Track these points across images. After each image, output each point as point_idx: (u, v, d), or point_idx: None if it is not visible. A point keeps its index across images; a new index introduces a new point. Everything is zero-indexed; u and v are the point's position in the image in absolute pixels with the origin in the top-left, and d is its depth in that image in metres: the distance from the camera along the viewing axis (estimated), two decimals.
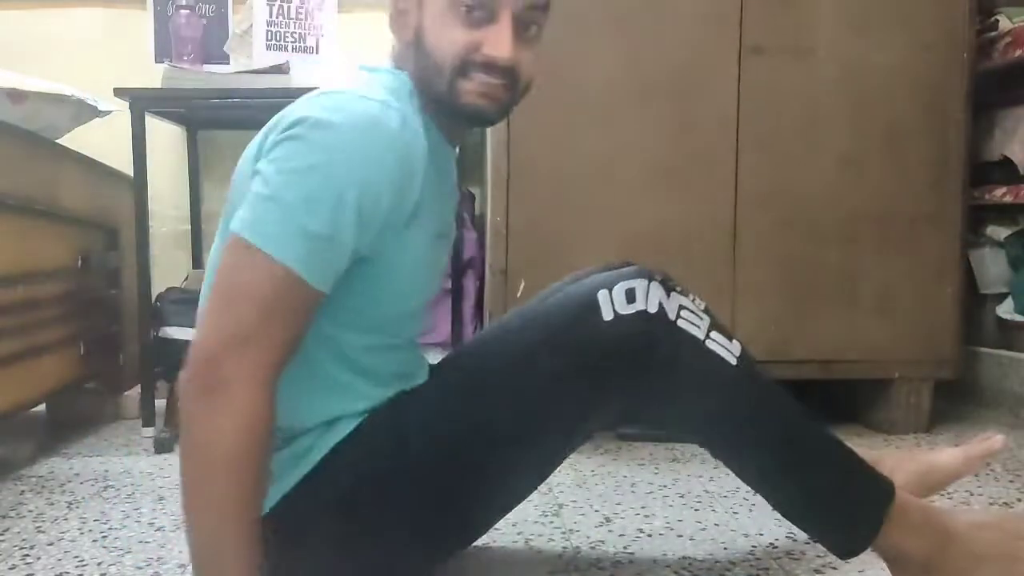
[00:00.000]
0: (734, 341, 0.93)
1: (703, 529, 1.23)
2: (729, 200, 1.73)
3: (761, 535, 1.20)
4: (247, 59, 2.13)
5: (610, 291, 0.89)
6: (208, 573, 0.78)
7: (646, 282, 0.89)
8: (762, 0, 1.71)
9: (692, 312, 0.91)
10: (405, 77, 0.90)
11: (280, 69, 1.91)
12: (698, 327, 0.90)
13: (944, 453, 1.12)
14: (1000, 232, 2.01)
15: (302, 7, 2.16)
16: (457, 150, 1.02)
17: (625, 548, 1.16)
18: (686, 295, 0.92)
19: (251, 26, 2.14)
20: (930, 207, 1.75)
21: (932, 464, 1.11)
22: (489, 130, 1.75)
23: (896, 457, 1.11)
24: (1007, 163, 1.95)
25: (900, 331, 1.76)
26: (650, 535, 1.21)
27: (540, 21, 0.89)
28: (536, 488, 1.02)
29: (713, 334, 0.91)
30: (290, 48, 2.15)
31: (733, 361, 0.92)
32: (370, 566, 0.91)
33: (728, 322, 1.69)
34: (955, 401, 1.99)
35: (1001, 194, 1.93)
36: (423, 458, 0.88)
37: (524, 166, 1.71)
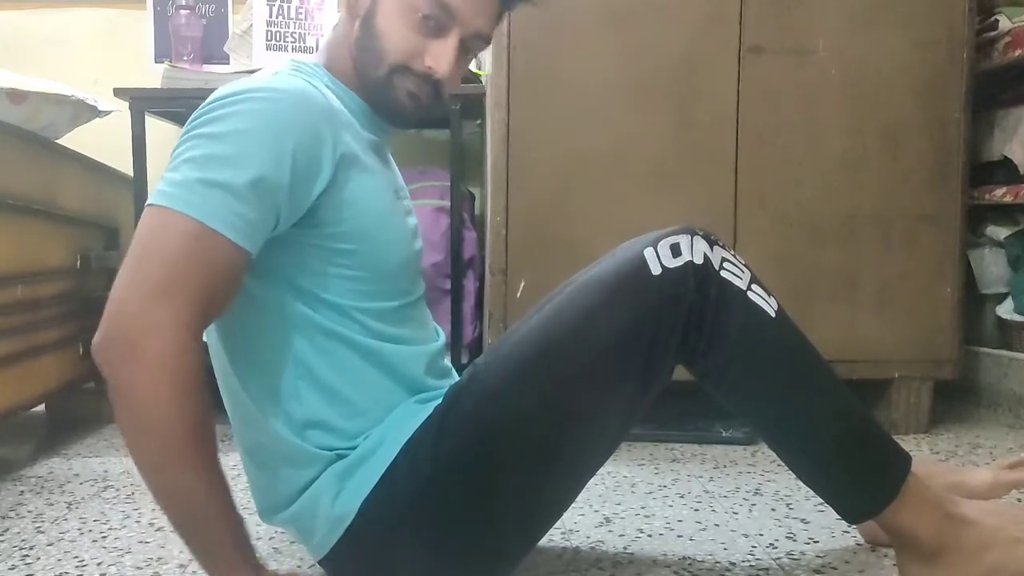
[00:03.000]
0: (772, 297, 0.95)
1: (703, 529, 1.23)
2: (729, 200, 1.73)
3: (761, 535, 1.20)
4: (247, 59, 2.13)
5: (655, 248, 0.90)
6: (194, 534, 0.78)
7: (689, 237, 0.91)
8: (762, 0, 1.71)
9: (734, 264, 0.93)
10: (313, 64, 0.96)
11: None
12: (740, 279, 0.92)
13: (976, 474, 1.13)
14: (1000, 232, 2.01)
15: (302, 7, 2.16)
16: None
17: (625, 548, 1.16)
18: (727, 249, 0.94)
19: (251, 26, 2.14)
20: (930, 207, 1.75)
21: (961, 483, 1.11)
22: (489, 130, 1.75)
23: (928, 466, 1.11)
24: (1007, 163, 1.95)
25: (900, 331, 1.76)
26: (650, 535, 1.20)
27: (478, 50, 0.96)
28: (608, 458, 1.00)
29: (754, 287, 0.93)
30: (290, 48, 2.15)
31: (772, 313, 0.93)
32: (460, 560, 0.91)
33: None
34: (955, 401, 1.99)
35: (1001, 194, 1.93)
36: (500, 440, 0.88)
37: (524, 166, 1.71)
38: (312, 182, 0.84)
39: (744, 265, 0.94)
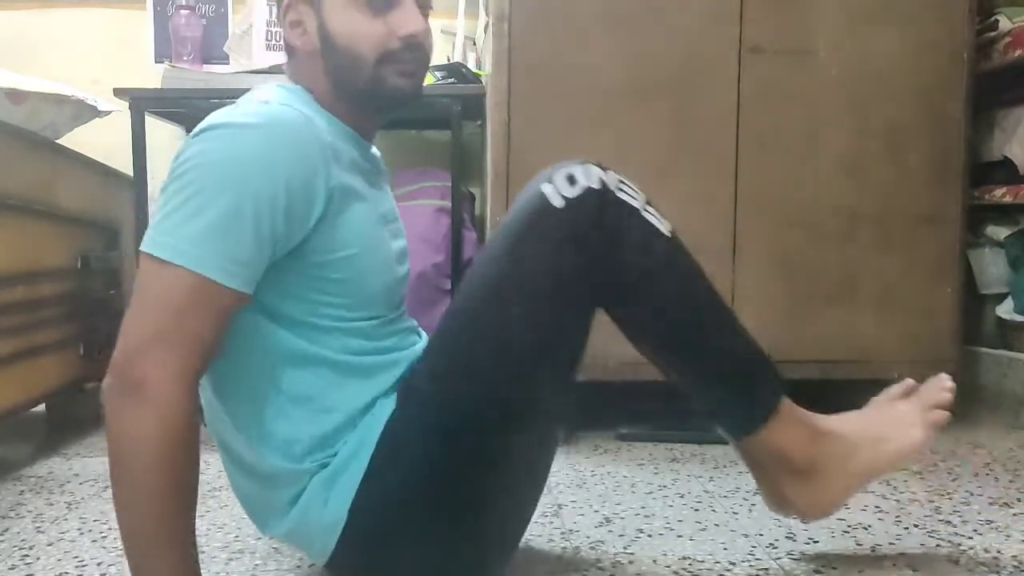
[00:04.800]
0: (666, 219, 0.96)
1: (703, 529, 1.23)
2: (729, 200, 1.73)
3: (761, 535, 1.20)
4: (247, 59, 2.13)
5: (551, 181, 0.91)
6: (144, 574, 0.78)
7: (582, 166, 0.92)
8: (762, 0, 1.71)
9: (628, 187, 0.94)
10: (298, 88, 0.94)
11: (280, 69, 1.90)
12: (635, 199, 0.93)
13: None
14: (1000, 232, 2.01)
15: None
16: (375, 151, 1.04)
17: (625, 548, 1.16)
18: (619, 174, 0.95)
19: (251, 26, 2.14)
20: (930, 207, 1.75)
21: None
22: (489, 130, 1.75)
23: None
24: (1007, 163, 1.95)
25: (900, 331, 1.76)
26: (650, 535, 1.20)
27: (430, 3, 0.96)
28: (566, 417, 1.02)
29: (649, 208, 0.94)
30: None
31: (667, 233, 0.94)
32: (452, 548, 0.91)
33: None
34: (955, 401, 1.99)
35: (1001, 194, 1.93)
36: (454, 417, 0.88)
37: (524, 166, 1.71)
38: (306, 216, 0.84)
39: (638, 189, 0.95)
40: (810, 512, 1.03)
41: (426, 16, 0.95)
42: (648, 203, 0.95)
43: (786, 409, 0.99)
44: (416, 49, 0.92)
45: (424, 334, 1.06)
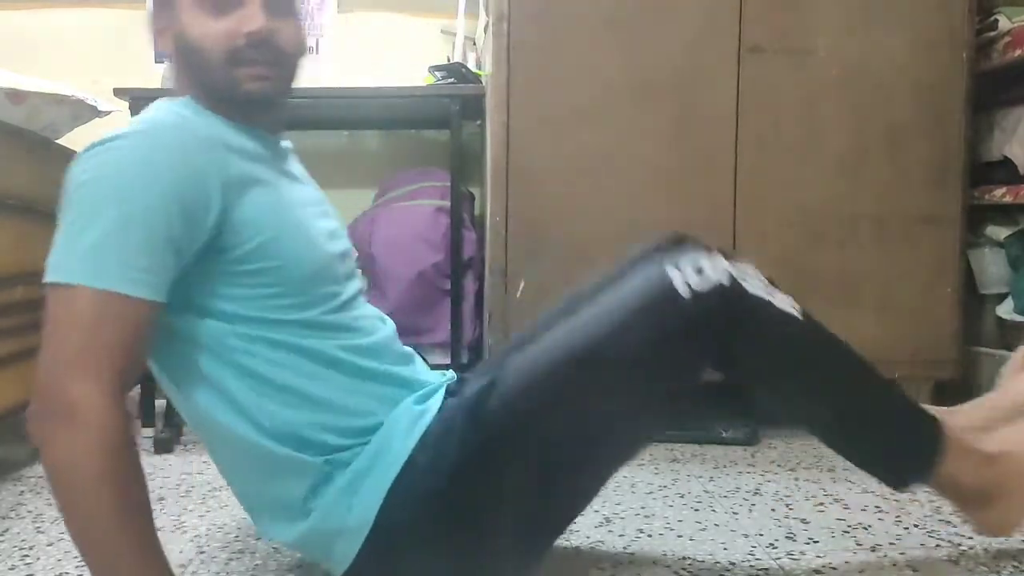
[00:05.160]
0: (789, 296, 0.97)
1: (703, 529, 1.23)
2: (729, 200, 1.73)
3: (761, 535, 1.20)
4: None
5: (679, 267, 0.91)
6: None
7: (710, 257, 0.93)
8: (762, 0, 1.71)
9: (754, 277, 0.95)
10: (184, 98, 0.94)
11: None
12: (763, 290, 0.94)
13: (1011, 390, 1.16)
14: (1000, 232, 2.01)
15: (302, 7, 2.16)
16: (286, 143, 1.03)
17: (625, 548, 1.16)
18: (743, 260, 0.96)
19: None
20: (930, 207, 1.76)
21: (994, 408, 1.14)
22: (489, 130, 1.75)
23: (954, 416, 1.13)
24: (1007, 163, 1.94)
25: (900, 331, 1.76)
26: (650, 535, 1.20)
27: (291, 5, 0.95)
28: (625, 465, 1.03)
29: (774, 292, 0.96)
30: None
31: (799, 316, 0.95)
32: (485, 558, 0.92)
33: None
34: (955, 401, 1.98)
35: (1001, 194, 1.93)
36: (527, 445, 0.90)
37: (524, 166, 1.71)
38: (203, 213, 0.84)
39: (759, 273, 0.96)
40: (1005, 530, 1.05)
41: (285, 16, 0.93)
42: (772, 284, 0.96)
43: (949, 446, 0.99)
44: (263, 46, 0.90)
45: (387, 319, 1.04)
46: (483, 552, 0.91)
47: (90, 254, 0.78)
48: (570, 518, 0.99)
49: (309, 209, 0.98)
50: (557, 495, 0.94)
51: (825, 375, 0.99)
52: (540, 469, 0.90)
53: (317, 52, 2.19)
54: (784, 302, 0.95)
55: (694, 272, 0.91)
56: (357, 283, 1.02)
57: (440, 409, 0.93)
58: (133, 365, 0.80)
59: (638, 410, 0.95)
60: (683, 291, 0.90)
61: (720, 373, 0.97)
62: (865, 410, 1.01)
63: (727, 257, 0.94)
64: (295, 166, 1.04)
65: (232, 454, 0.93)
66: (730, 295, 0.91)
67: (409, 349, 1.04)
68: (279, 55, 0.93)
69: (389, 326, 1.03)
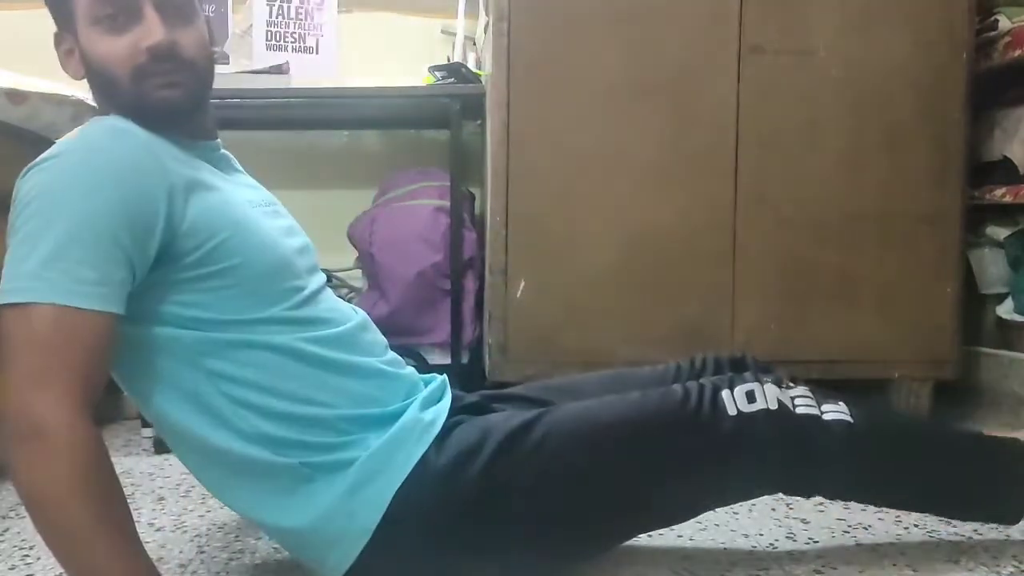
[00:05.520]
0: (840, 402, 1.01)
1: (703, 529, 1.23)
2: (729, 200, 1.73)
3: (761, 535, 1.20)
4: (247, 59, 2.13)
5: (731, 388, 0.97)
6: None
7: (761, 385, 0.98)
8: (762, 0, 1.71)
9: (803, 396, 0.99)
10: (112, 116, 0.92)
11: (280, 69, 1.91)
12: (812, 406, 0.98)
13: None
14: (1000, 232, 2.01)
15: (302, 7, 2.16)
16: (221, 145, 1.03)
17: (625, 548, 1.15)
18: (796, 383, 1.01)
19: (251, 26, 2.14)
20: (930, 207, 1.75)
21: None
22: (489, 130, 1.75)
23: None
24: (1007, 163, 1.95)
25: (900, 331, 1.76)
26: (650, 535, 1.20)
27: (190, 14, 0.94)
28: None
29: (824, 405, 0.99)
30: (290, 48, 2.15)
31: (850, 419, 0.98)
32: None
33: (728, 322, 1.71)
34: (955, 401, 1.99)
35: (1001, 194, 1.93)
36: (548, 494, 0.93)
37: (524, 166, 1.71)
38: (151, 219, 0.83)
39: (807, 388, 1.00)
40: None
41: (185, 23, 0.92)
42: (820, 398, 1.00)
43: None
44: (167, 59, 0.90)
45: (359, 310, 1.04)
46: (491, 564, 0.92)
47: (40, 271, 0.78)
48: (588, 555, 1.04)
49: (259, 209, 0.98)
50: (562, 545, 0.96)
51: (895, 466, 1.03)
52: (558, 518, 0.93)
53: (317, 52, 2.19)
54: (834, 411, 0.99)
55: (745, 399, 0.96)
56: (320, 277, 1.02)
57: (458, 423, 0.94)
58: (96, 378, 0.80)
59: (660, 500, 0.99)
60: (730, 410, 0.95)
61: (797, 496, 1.04)
62: (944, 478, 1.06)
63: (779, 384, 0.99)
64: (237, 169, 1.05)
65: (203, 459, 0.93)
66: (777, 416, 0.96)
67: (379, 338, 1.04)
68: (183, 64, 0.92)
69: (360, 316, 1.03)
